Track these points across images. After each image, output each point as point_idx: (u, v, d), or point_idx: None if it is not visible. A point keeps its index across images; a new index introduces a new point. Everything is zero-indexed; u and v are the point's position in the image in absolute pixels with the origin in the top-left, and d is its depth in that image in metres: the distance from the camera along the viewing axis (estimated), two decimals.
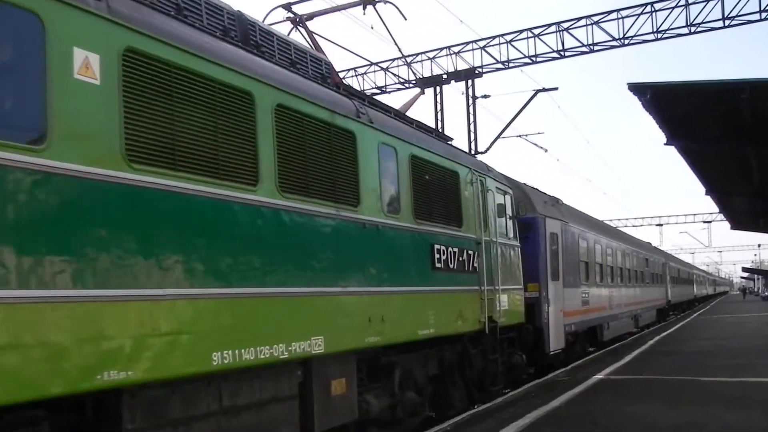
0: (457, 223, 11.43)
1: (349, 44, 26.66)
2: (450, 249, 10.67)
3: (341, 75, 35.35)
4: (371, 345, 8.39)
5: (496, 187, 13.30)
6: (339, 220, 8.00)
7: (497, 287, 12.48)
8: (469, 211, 11.74)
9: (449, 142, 12.46)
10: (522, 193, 16.18)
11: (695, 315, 50.02)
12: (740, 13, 22.53)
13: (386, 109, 10.39)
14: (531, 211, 16.02)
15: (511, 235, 14.02)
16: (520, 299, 13.97)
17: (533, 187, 17.77)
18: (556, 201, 19.04)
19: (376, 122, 9.20)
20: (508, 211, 13.91)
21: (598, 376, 14.86)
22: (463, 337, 11.55)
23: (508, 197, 13.95)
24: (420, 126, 11.40)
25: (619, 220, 75.25)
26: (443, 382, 11.23)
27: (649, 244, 43.07)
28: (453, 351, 11.47)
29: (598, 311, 20.95)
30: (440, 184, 11.03)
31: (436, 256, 10.30)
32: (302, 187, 7.54)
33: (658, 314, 37.81)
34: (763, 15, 23.35)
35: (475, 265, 11.66)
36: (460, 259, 11.17)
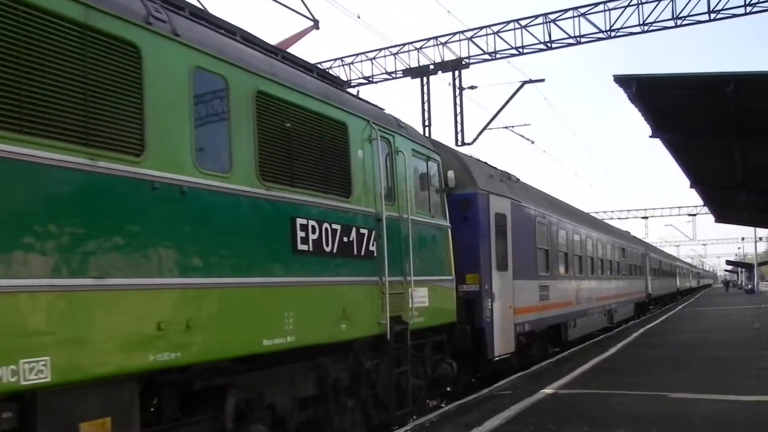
0: (343, 191, 8.23)
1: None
2: (326, 225, 7.73)
3: (327, 65, 36.38)
4: (162, 365, 5.52)
5: (415, 151, 10.26)
6: (103, 174, 5.14)
7: (408, 278, 9.31)
8: (364, 178, 8.61)
9: (342, 88, 9.31)
10: (459, 164, 12.84)
11: (679, 308, 49.34)
12: (725, 7, 22.27)
13: (228, 30, 7.25)
14: (470, 185, 12.62)
15: (438, 213, 10.95)
16: (450, 294, 10.94)
17: (476, 159, 14.49)
18: (507, 177, 15.59)
19: (186, 35, 6.16)
20: (435, 183, 10.90)
21: (546, 390, 12.23)
22: (353, 344, 8.45)
23: (434, 165, 10.99)
24: (290, 59, 8.27)
25: (605, 212, 74.43)
26: (326, 407, 8.11)
27: (628, 233, 39.17)
28: (339, 364, 8.37)
29: (561, 307, 17.68)
30: (313, 136, 7.83)
31: (300, 234, 7.33)
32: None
33: (637, 309, 34.52)
34: (748, 9, 22.06)
35: (372, 249, 8.52)
36: (346, 239, 8.11)
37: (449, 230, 11.40)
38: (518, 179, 16.70)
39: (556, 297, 17.42)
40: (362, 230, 8.54)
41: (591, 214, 34.91)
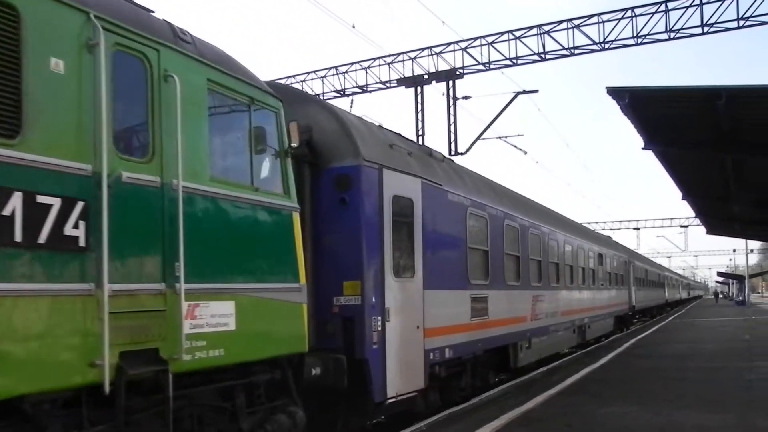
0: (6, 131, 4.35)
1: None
2: None
3: (322, 74, 35.04)
4: None
5: (217, 84, 6.33)
6: None
7: (178, 286, 5.50)
8: (64, 106, 4.80)
9: None
10: (333, 122, 9.03)
11: (670, 319, 49.45)
12: (718, 20, 21.98)
13: None
14: (350, 154, 8.77)
15: (273, 187, 7.15)
16: (294, 310, 7.13)
17: (362, 117, 10.31)
18: (426, 153, 11.53)
19: None
20: (267, 142, 7.10)
21: (536, 400, 11.40)
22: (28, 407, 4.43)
23: (265, 116, 7.10)
24: None
25: (597, 223, 73.06)
26: None
27: (609, 238, 34.45)
28: None
29: (508, 324, 13.60)
30: None
31: None
32: None
33: (618, 322, 30.05)
34: (741, 22, 21.67)
35: (75, 233, 4.76)
36: None
37: (295, 214, 7.26)
38: (444, 157, 12.37)
39: (501, 311, 13.17)
40: (45, 199, 4.57)
41: (583, 224, 31.85)
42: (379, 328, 8.75)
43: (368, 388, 8.49)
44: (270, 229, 7.04)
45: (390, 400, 8.91)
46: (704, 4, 22.19)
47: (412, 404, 9.75)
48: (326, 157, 8.77)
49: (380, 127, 10.53)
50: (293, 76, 28.43)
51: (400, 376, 9.10)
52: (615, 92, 11.44)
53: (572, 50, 24.70)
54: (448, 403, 11.19)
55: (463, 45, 26.48)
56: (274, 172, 7.35)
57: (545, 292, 16.97)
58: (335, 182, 8.75)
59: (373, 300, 8.68)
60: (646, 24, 23.39)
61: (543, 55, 25.24)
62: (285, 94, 8.00)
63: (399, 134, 11.18)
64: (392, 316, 9.04)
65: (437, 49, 26.88)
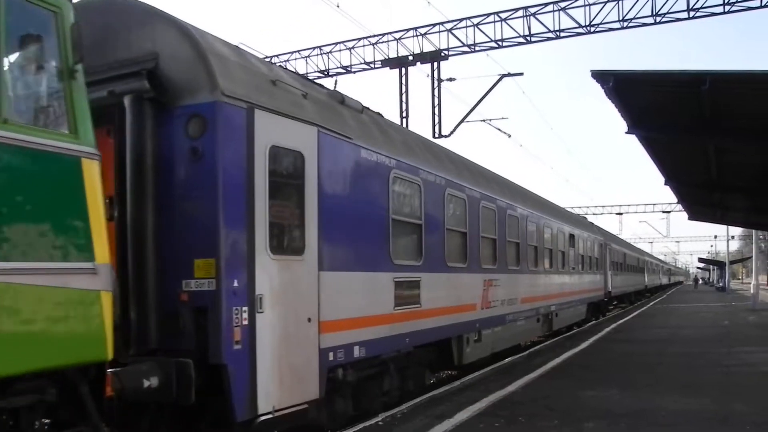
0: None
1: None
2: None
3: (306, 53, 29.04)
4: None
5: None
6: None
7: None
8: None
9: None
10: (184, 44, 6.56)
11: (651, 304, 43.00)
12: (704, 5, 21.77)
13: None
14: (204, 86, 6.41)
15: (49, 121, 4.93)
16: (73, 301, 4.79)
17: (238, 46, 7.84)
18: (325, 94, 8.85)
19: None
20: (43, 55, 4.93)
21: (517, 384, 11.41)
22: None
23: (36, 17, 4.78)
24: None
25: (580, 207, 74.15)
26: None
27: (583, 218, 32.13)
28: None
29: (450, 313, 11.40)
30: None
31: None
32: None
33: (592, 309, 27.53)
34: (726, 7, 21.51)
35: None
36: None
37: (89, 163, 5.00)
38: (364, 108, 9.77)
39: (439, 299, 10.94)
40: None
41: (568, 209, 30.03)
42: (245, 322, 6.40)
43: (228, 403, 6.19)
44: (36, 182, 4.60)
45: (264, 417, 6.52)
46: None
47: (303, 419, 7.24)
48: (175, 93, 6.40)
49: (270, 62, 7.91)
50: (276, 56, 28.04)
51: (281, 384, 6.76)
52: (599, 75, 11.37)
53: (558, 33, 24.32)
54: (368, 413, 9.09)
55: (449, 26, 26.09)
56: (53, 101, 4.99)
57: (501, 276, 14.21)
58: (186, 126, 6.42)
59: (235, 284, 6.34)
60: (632, 8, 22.85)
61: (528, 38, 24.79)
62: (119, 7, 6.25)
63: (301, 76, 8.49)
64: (267, 306, 6.65)
65: (422, 30, 26.42)
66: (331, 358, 7.76)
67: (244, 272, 6.48)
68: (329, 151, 7.88)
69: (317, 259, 7.51)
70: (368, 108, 10.10)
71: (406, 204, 10.18)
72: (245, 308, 6.44)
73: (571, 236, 22.70)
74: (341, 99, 9.02)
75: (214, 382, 6.14)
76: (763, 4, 21.37)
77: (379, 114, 10.48)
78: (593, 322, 27.11)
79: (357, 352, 8.32)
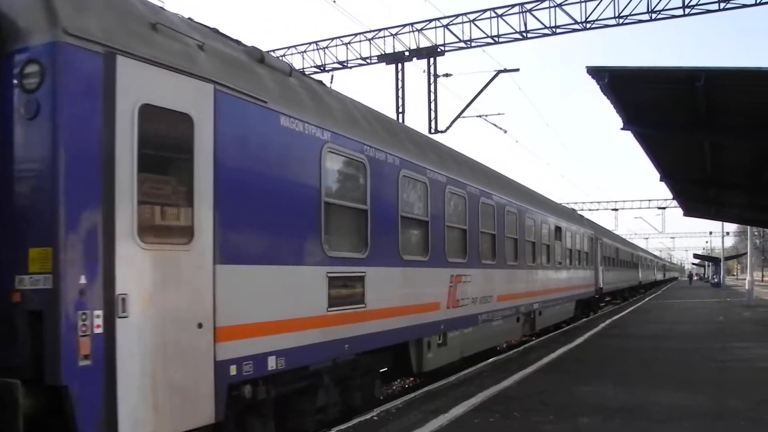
0: None
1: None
2: None
3: (302, 48, 29.37)
4: None
5: None
6: None
7: None
8: None
9: None
10: None
11: (646, 300, 43.17)
12: (699, 2, 21.75)
13: None
14: (39, 23, 4.91)
15: None
16: None
17: None
18: (237, 49, 7.16)
19: None
20: None
21: (512, 379, 11.36)
22: None
23: None
24: None
25: (575, 203, 74.22)
26: None
27: (573, 211, 29.26)
28: None
29: (406, 314, 9.81)
30: None
31: None
32: None
33: (581, 307, 25.95)
34: (721, 5, 21.49)
35: None
36: None
37: None
38: (294, 70, 8.25)
39: (391, 297, 9.36)
40: None
41: (561, 204, 28.93)
42: (98, 330, 4.91)
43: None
44: None
45: None
46: None
47: None
48: (9, 33, 4.97)
49: (160, 6, 6.28)
50: (273, 51, 28.18)
51: (156, 408, 5.28)
52: (595, 71, 11.37)
53: (554, 29, 24.30)
54: None
55: (445, 22, 26.19)
56: None
57: (473, 272, 12.52)
58: (20, 76, 4.95)
59: (82, 281, 4.86)
60: (628, 4, 22.99)
61: (525, 34, 24.78)
62: None
63: (213, 30, 7.00)
64: (134, 309, 5.15)
65: (418, 26, 26.53)
66: (233, 372, 6.08)
67: (97, 265, 4.93)
68: (232, 116, 6.26)
69: (212, 249, 5.89)
70: (303, 73, 8.75)
71: (347, 186, 8.62)
72: (98, 312, 4.90)
73: (558, 229, 20.92)
74: (260, 57, 7.32)
75: (60, 407, 4.73)
76: (757, 2, 21.42)
77: (319, 82, 8.88)
78: (583, 320, 25.84)
79: (273, 363, 6.67)
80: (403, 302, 9.68)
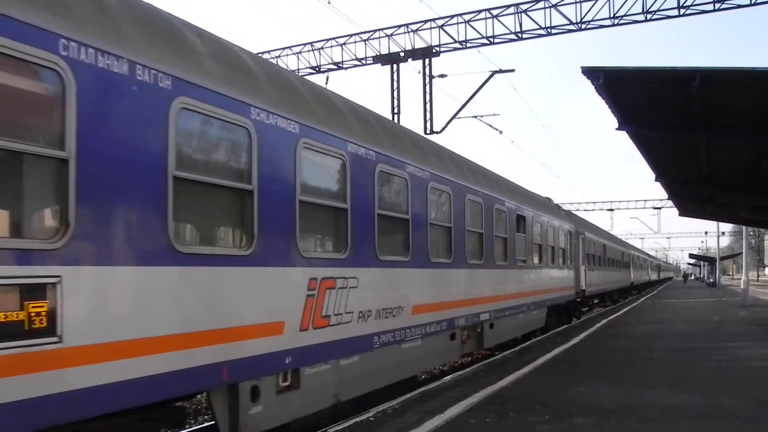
0: None
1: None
2: None
3: (297, 49, 28.24)
4: None
5: None
6: None
7: None
8: None
9: None
10: None
11: (642, 299, 43.70)
12: (694, 3, 22.03)
13: None
14: None
15: None
16: None
17: None
18: None
19: None
20: None
21: (508, 379, 11.18)
22: None
23: None
24: None
25: (571, 204, 74.61)
26: None
27: (548, 199, 23.94)
28: None
29: (187, 345, 5.72)
30: None
31: None
32: None
33: (558, 314, 22.24)
34: (716, 5, 21.77)
35: None
36: None
37: None
38: None
39: (142, 322, 5.39)
40: None
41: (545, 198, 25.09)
42: None
43: None
44: None
45: None
46: None
47: None
48: None
49: None
50: (268, 52, 28.12)
51: None
52: (590, 72, 11.38)
53: (549, 30, 24.40)
54: None
55: (440, 23, 26.39)
56: None
57: (362, 273, 8.65)
58: None
59: None
60: (623, 5, 23.14)
61: (520, 35, 24.87)
62: None
63: None
64: None
65: (414, 27, 26.74)
66: None
67: None
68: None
69: None
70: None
71: (205, 145, 6.36)
72: None
73: (521, 219, 16.66)
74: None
75: None
76: (752, 3, 21.51)
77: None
78: (558, 329, 21.47)
79: None
80: (184, 327, 5.75)
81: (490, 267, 13.94)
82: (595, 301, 33.35)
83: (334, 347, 8.03)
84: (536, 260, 18.54)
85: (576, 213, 34.86)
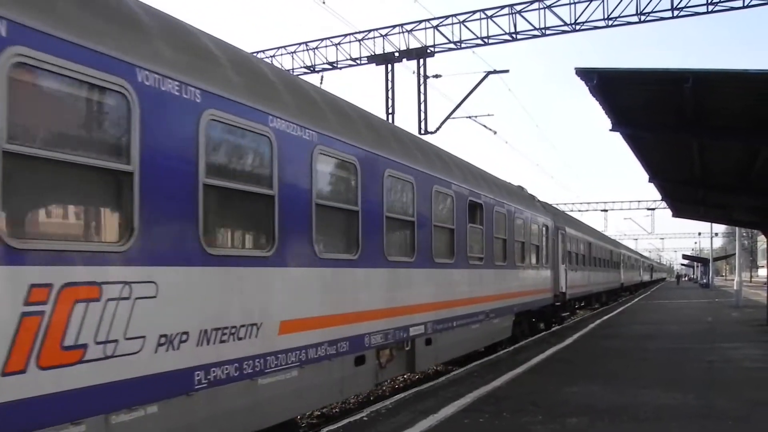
0: None
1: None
2: None
3: (292, 49, 28.24)
4: None
5: None
6: None
7: None
8: None
9: None
10: None
11: (635, 300, 43.75)
12: (688, 5, 22.07)
13: None
14: None
15: None
16: None
17: None
18: None
19: None
20: None
21: (502, 379, 11.38)
22: None
23: None
24: None
25: (565, 204, 74.61)
26: None
27: (520, 188, 20.56)
28: None
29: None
30: None
31: None
32: None
33: (530, 321, 19.68)
34: (710, 7, 21.85)
35: None
36: None
37: None
38: None
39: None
40: None
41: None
42: None
43: None
44: None
45: None
46: None
47: None
48: None
49: None
50: (262, 51, 28.13)
51: None
52: (584, 73, 11.40)
53: (543, 30, 24.48)
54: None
55: (435, 23, 26.42)
56: None
57: (180, 273, 5.82)
58: None
59: None
60: (617, 6, 23.27)
61: (514, 35, 24.91)
62: None
63: None
64: None
65: (408, 27, 26.76)
66: None
67: None
68: None
69: None
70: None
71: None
72: None
73: (476, 207, 13.74)
74: None
75: None
76: (745, 5, 21.62)
77: None
78: (535, 337, 19.06)
79: None
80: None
81: (427, 266, 10.96)
82: (582, 304, 30.91)
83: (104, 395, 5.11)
84: (501, 259, 15.46)
85: (570, 213, 34.03)
